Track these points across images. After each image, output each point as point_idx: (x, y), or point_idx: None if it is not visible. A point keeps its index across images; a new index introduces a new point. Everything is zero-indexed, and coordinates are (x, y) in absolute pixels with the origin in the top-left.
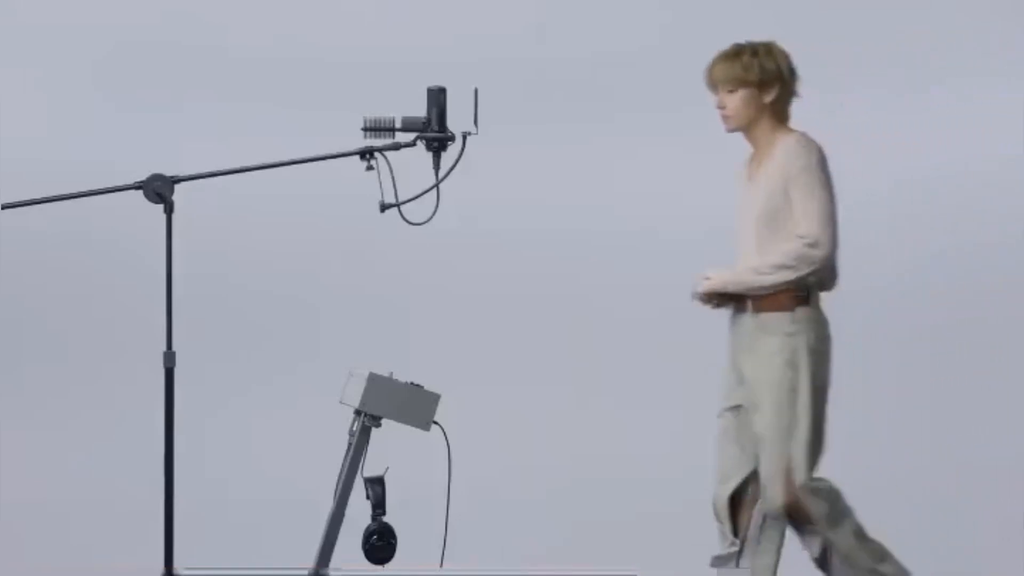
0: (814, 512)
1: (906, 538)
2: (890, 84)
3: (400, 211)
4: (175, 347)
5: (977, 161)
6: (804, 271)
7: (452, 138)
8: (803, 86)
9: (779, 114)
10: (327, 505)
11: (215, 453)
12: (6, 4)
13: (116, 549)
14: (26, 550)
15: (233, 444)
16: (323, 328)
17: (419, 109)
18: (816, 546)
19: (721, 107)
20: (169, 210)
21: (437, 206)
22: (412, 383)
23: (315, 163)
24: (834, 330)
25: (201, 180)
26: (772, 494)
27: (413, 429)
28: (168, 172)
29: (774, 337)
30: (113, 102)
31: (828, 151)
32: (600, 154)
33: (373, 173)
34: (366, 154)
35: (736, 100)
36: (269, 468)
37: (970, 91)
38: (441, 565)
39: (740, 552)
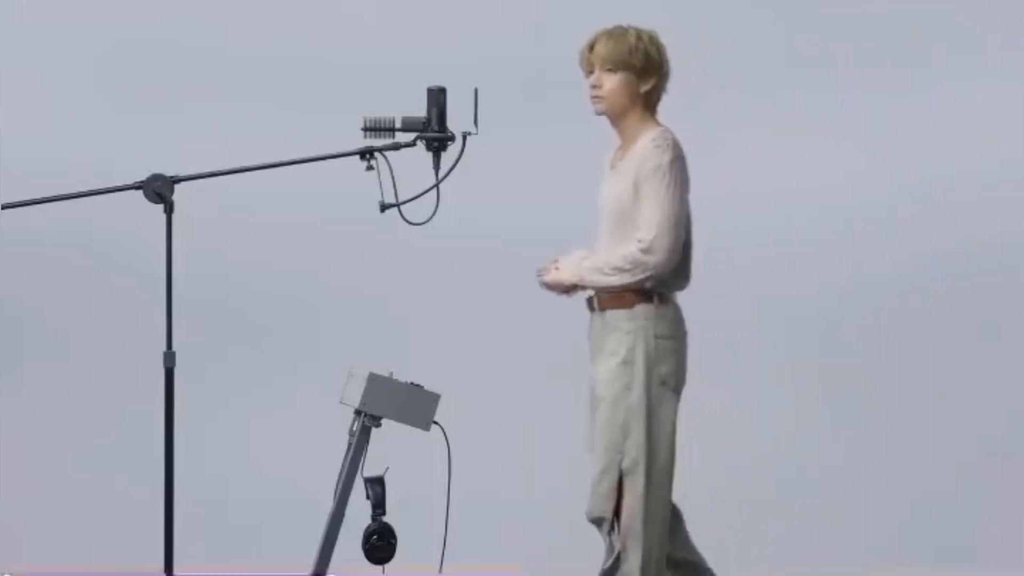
0: (626, 516)
1: (906, 537)
2: (890, 84)
3: (400, 211)
4: (175, 347)
5: (977, 161)
6: (639, 276)
7: (452, 138)
8: (786, 85)
9: (650, 107)
10: (327, 505)
11: (215, 453)
12: (6, 4)
13: (116, 549)
14: (26, 550)
15: (233, 444)
16: (323, 328)
17: (419, 109)
18: (610, 559)
19: (596, 86)
20: (169, 210)
21: (437, 206)
22: (412, 383)
23: (315, 163)
24: (835, 330)
25: (201, 180)
26: (591, 500)
27: (413, 429)
28: (168, 172)
29: (614, 334)
30: (113, 102)
31: (828, 151)
32: (600, 154)
33: (373, 173)
34: (366, 154)
35: (614, 82)
36: (269, 468)
37: (970, 91)
38: (441, 565)
39: (619, 558)
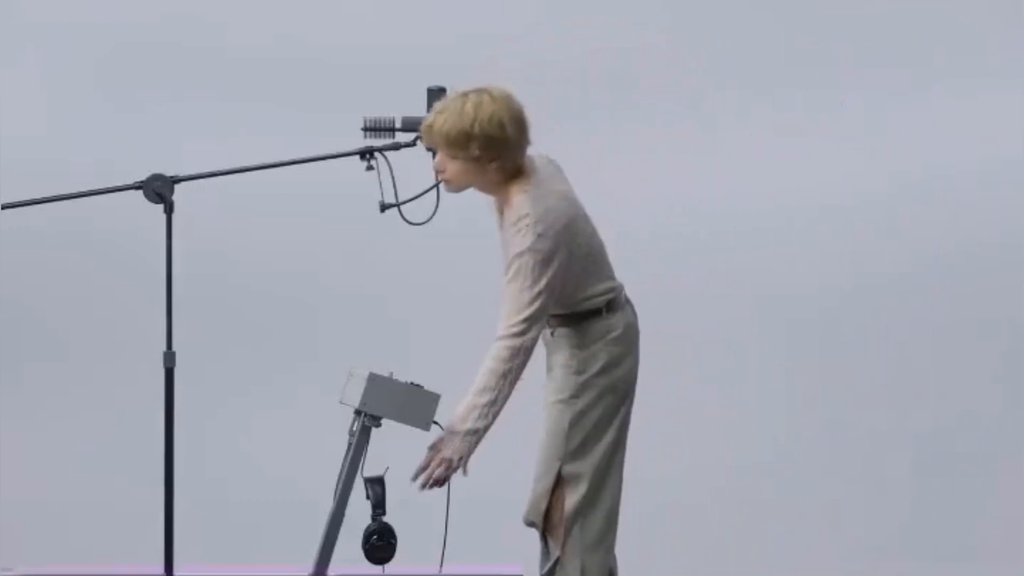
0: (565, 535)
1: (906, 537)
2: (890, 84)
3: (400, 211)
4: (175, 347)
5: (977, 161)
6: (524, 358)
7: None
8: (786, 85)
9: (508, 172)
10: (327, 505)
11: (215, 453)
12: (6, 4)
13: (116, 549)
14: (26, 550)
15: (233, 444)
16: (323, 328)
17: (419, 109)
18: (548, 564)
19: (440, 170)
20: (169, 210)
21: (437, 206)
22: (412, 383)
23: (315, 163)
24: (835, 330)
25: (201, 180)
26: (531, 500)
27: (413, 429)
28: (168, 172)
29: (564, 351)
30: (113, 102)
31: (828, 151)
32: (600, 154)
33: (373, 173)
34: (366, 154)
35: (456, 167)
36: (269, 468)
37: (970, 91)
38: (441, 565)
39: (557, 563)
